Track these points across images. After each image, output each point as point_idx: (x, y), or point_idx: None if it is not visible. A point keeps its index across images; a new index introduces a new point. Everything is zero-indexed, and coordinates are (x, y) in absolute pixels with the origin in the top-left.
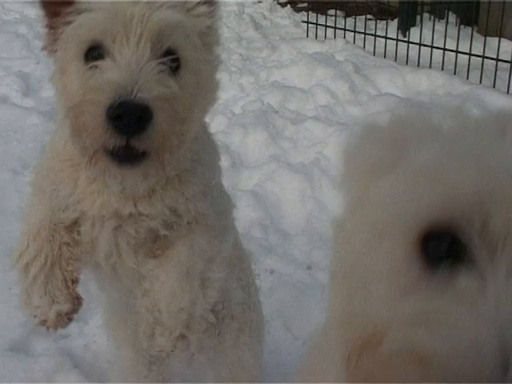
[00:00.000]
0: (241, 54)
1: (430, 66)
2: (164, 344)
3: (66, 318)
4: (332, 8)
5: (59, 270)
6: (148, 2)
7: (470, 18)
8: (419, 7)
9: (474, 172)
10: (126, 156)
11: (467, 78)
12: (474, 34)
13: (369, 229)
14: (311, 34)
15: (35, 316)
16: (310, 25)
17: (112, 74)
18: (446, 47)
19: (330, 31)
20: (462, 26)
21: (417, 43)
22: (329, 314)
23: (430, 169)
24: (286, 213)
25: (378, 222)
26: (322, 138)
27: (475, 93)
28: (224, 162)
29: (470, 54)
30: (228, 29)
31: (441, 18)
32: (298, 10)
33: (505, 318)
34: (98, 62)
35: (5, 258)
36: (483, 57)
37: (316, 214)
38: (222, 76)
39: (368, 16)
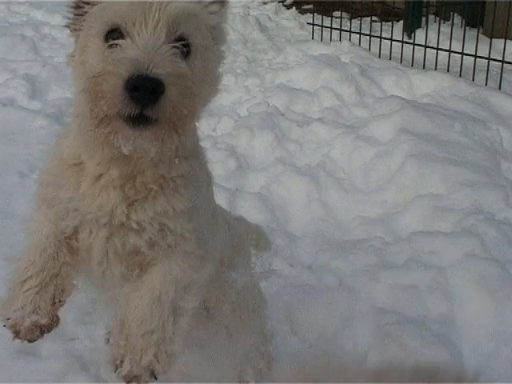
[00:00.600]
0: (246, 56)
1: (436, 68)
2: (131, 371)
3: (38, 331)
4: (337, 10)
5: (53, 286)
6: None
7: (475, 19)
8: (424, 9)
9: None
10: (139, 120)
11: (473, 79)
12: (480, 35)
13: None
14: (316, 35)
15: (8, 319)
16: (315, 27)
17: (131, 51)
18: (452, 49)
19: (335, 33)
20: (467, 28)
21: (422, 45)
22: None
23: None
24: (292, 215)
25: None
26: (327, 141)
27: (481, 95)
28: (230, 164)
29: (476, 56)
30: (233, 31)
31: (446, 19)
32: (304, 12)
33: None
34: (118, 41)
35: (15, 258)
36: (489, 59)
37: (322, 216)
38: (227, 78)
39: (373, 18)
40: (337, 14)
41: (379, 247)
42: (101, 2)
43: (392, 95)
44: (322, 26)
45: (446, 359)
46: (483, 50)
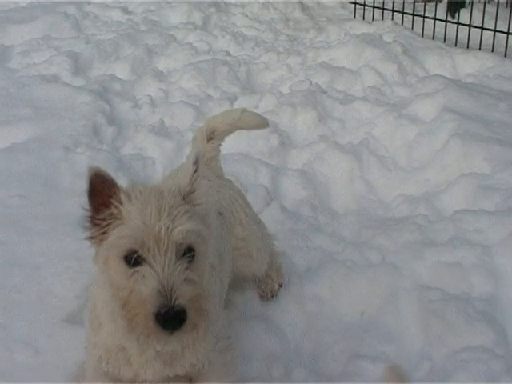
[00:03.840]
0: (288, 35)
1: (480, 48)
2: None
3: None
4: None
5: None
6: (168, 215)
7: None
8: None
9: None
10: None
11: None
12: None
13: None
14: (358, 15)
15: None
16: (357, 6)
17: (152, 280)
18: (497, 29)
19: (377, 12)
20: None
21: (466, 24)
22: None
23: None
24: (335, 192)
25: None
26: (370, 119)
27: None
28: (273, 141)
29: None
30: (275, 10)
31: None
32: None
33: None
34: (138, 268)
35: (60, 230)
36: None
37: (364, 193)
38: (269, 56)
39: None
40: None
41: (422, 225)
42: (115, 232)
43: (435, 74)
44: (364, 5)
45: (491, 337)
46: None
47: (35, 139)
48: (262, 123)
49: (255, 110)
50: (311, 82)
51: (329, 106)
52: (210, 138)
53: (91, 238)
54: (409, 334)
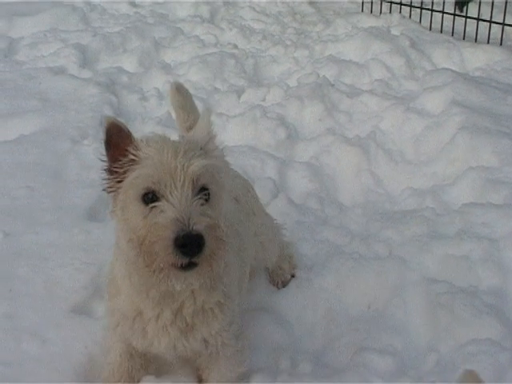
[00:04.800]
0: (295, 28)
1: (488, 42)
2: None
3: None
4: None
5: None
6: (184, 154)
7: None
8: None
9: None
10: (188, 265)
11: None
12: None
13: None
14: (366, 8)
15: None
16: None
17: (169, 212)
18: (505, 22)
19: (385, 6)
20: None
21: (475, 18)
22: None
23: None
24: (342, 185)
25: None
26: (377, 112)
27: None
28: (280, 133)
29: None
30: (282, 3)
31: None
32: None
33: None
34: (155, 204)
35: (67, 221)
36: None
37: (371, 186)
38: (276, 49)
39: None
40: None
41: (430, 218)
42: (133, 173)
43: (443, 68)
44: None
45: (498, 330)
46: None
47: (42, 131)
48: None
49: (262, 103)
50: (318, 75)
51: (336, 99)
52: None
53: (109, 187)
54: (416, 326)
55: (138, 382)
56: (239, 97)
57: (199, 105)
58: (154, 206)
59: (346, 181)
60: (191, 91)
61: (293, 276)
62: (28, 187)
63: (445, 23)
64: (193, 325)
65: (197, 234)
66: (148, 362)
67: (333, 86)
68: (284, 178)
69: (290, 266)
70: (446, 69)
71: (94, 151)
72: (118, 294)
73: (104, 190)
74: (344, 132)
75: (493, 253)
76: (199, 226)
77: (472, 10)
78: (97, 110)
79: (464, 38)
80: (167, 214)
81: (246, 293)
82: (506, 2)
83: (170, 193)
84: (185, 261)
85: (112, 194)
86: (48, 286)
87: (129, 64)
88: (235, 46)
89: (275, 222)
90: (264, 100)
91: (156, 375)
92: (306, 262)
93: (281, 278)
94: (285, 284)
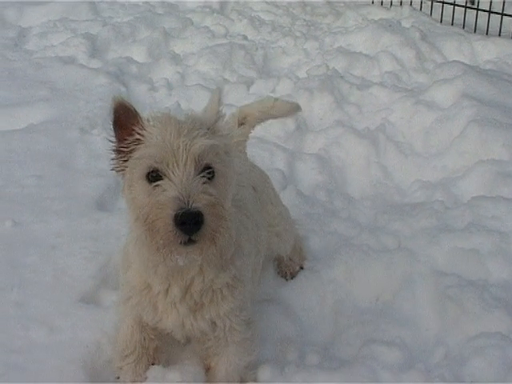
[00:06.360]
0: (305, 20)
1: (500, 34)
2: None
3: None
4: None
5: (146, 358)
6: (187, 134)
7: None
8: None
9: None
10: (188, 242)
11: None
12: None
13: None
14: (376, 0)
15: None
16: None
17: (170, 190)
18: None
19: None
20: None
21: (486, 10)
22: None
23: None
24: (351, 177)
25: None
26: (387, 104)
27: None
28: (289, 125)
29: None
30: None
31: None
32: None
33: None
34: (158, 182)
35: (76, 210)
36: None
37: (381, 179)
38: (286, 41)
39: None
40: None
41: (439, 211)
42: (138, 152)
43: (454, 61)
44: None
45: (508, 324)
46: None
47: (52, 120)
48: (294, 108)
49: (272, 94)
50: (328, 66)
51: (346, 91)
52: (240, 124)
53: (116, 167)
54: (424, 319)
55: (152, 351)
56: (248, 88)
57: (208, 96)
58: (158, 185)
59: (355, 173)
60: (200, 82)
61: (301, 268)
62: (37, 176)
63: (456, 15)
64: (201, 304)
65: (196, 211)
66: (160, 335)
67: (342, 77)
68: (293, 169)
69: (300, 258)
70: (457, 61)
71: (102, 141)
72: (129, 268)
73: (112, 169)
74: (353, 124)
75: (502, 246)
76: (198, 203)
77: (483, 3)
78: (106, 99)
79: (475, 31)
80: (168, 192)
81: (258, 284)
82: None
83: (173, 172)
84: (184, 238)
85: (120, 173)
86: (56, 275)
87: (138, 54)
88: (245, 37)
89: (290, 214)
90: (273, 91)
91: (163, 365)
92: (315, 253)
93: (290, 269)
94: (293, 275)
